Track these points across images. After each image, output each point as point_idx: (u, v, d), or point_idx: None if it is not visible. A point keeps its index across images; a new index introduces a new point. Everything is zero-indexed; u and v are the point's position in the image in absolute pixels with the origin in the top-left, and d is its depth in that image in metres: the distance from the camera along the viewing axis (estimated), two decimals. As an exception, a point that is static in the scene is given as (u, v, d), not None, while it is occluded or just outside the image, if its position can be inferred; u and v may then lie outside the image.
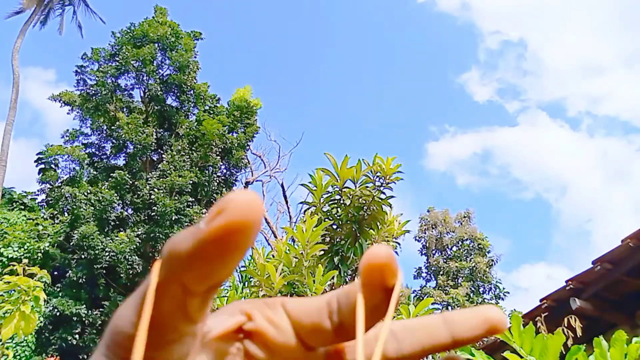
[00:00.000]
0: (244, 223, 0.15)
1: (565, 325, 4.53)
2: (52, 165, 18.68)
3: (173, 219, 16.74)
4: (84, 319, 15.56)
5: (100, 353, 0.18)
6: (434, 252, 23.75)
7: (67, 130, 19.95)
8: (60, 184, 18.29)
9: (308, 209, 4.56)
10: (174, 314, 0.17)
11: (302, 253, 3.89)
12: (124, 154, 19.48)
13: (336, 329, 0.20)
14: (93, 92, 19.45)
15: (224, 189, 19.41)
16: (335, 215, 4.43)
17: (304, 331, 0.20)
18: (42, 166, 18.70)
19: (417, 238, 23.99)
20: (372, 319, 0.19)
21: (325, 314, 0.20)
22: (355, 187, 4.37)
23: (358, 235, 4.33)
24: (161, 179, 17.58)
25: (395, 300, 0.19)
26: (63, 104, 19.80)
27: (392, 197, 4.39)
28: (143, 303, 0.17)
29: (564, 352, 1.62)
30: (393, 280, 0.19)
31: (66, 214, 17.26)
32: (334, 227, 4.45)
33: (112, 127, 18.87)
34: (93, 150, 19.91)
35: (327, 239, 4.37)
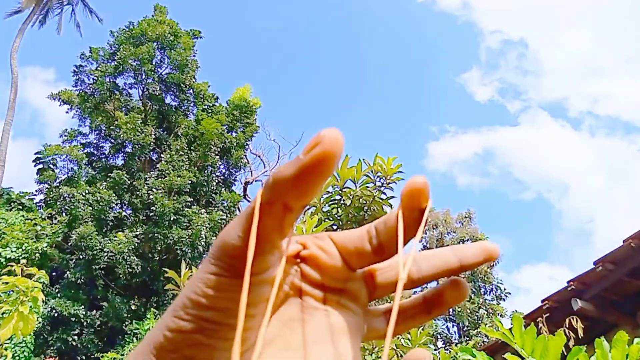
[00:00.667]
0: (333, 153, 0.21)
1: (567, 326, 4.51)
2: (51, 165, 18.63)
3: (172, 219, 16.69)
4: (82, 319, 15.51)
5: (208, 262, 0.23)
6: (433, 252, 23.73)
7: (66, 129, 19.91)
8: (58, 184, 18.25)
9: (308, 209, 4.54)
10: (273, 228, 0.22)
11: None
12: (122, 154, 19.43)
13: (375, 250, 0.26)
14: (91, 91, 19.42)
15: (222, 189, 19.38)
16: (336, 216, 4.41)
17: (348, 254, 0.26)
18: (41, 166, 18.66)
19: (417, 238, 23.98)
20: (407, 234, 0.25)
21: (366, 239, 0.26)
22: (356, 187, 4.34)
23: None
24: (160, 179, 17.53)
25: (425, 219, 0.25)
26: (62, 103, 19.74)
27: (393, 197, 4.37)
28: (249, 220, 0.22)
29: (565, 353, 1.60)
30: (425, 203, 0.25)
31: (64, 214, 17.21)
32: (334, 227, 4.42)
33: (111, 127, 18.82)
34: (91, 150, 19.86)
35: (327, 239, 4.34)
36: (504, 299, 21.55)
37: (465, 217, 24.06)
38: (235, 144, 19.41)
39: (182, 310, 0.23)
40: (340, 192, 4.37)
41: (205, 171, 18.64)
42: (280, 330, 0.25)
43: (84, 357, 15.39)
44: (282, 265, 0.24)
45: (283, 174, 0.21)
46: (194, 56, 20.25)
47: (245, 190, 23.65)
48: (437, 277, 0.28)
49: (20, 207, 18.45)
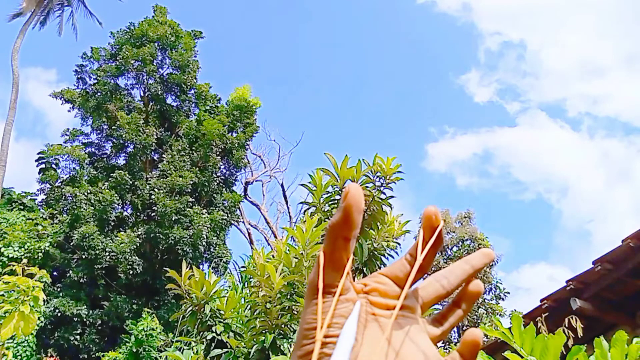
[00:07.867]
0: (359, 198, 0.34)
1: (566, 325, 4.52)
2: (53, 165, 18.66)
3: (173, 219, 16.71)
4: (84, 319, 15.54)
5: (309, 299, 0.35)
6: (434, 252, 23.67)
7: (67, 129, 19.92)
8: (60, 184, 18.27)
9: (308, 209, 4.54)
10: (342, 251, 0.35)
11: (302, 253, 3.88)
12: (124, 154, 19.45)
13: (412, 266, 0.37)
14: (93, 91, 19.44)
15: (223, 189, 19.39)
16: (335, 215, 4.41)
17: (397, 279, 0.38)
18: (43, 166, 18.68)
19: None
20: (429, 244, 0.38)
21: (406, 263, 0.38)
22: (355, 187, 4.34)
23: (358, 235, 4.31)
24: (161, 179, 17.55)
25: (439, 233, 0.37)
26: (64, 102, 19.75)
27: (392, 197, 4.38)
28: (325, 250, 0.35)
29: (564, 353, 1.61)
30: (438, 223, 0.37)
31: (66, 214, 17.24)
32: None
33: (113, 127, 18.84)
34: (93, 149, 19.88)
35: (327, 239, 4.34)
36: (503, 299, 21.51)
37: (465, 217, 24.02)
38: (236, 144, 19.41)
39: (304, 339, 0.34)
40: (339, 192, 4.38)
41: (207, 171, 18.64)
42: (373, 345, 0.34)
43: (85, 356, 15.42)
44: (344, 278, 0.35)
45: (336, 220, 0.34)
46: (195, 57, 20.26)
47: (245, 190, 23.63)
48: (461, 283, 0.40)
49: (22, 207, 18.48)
